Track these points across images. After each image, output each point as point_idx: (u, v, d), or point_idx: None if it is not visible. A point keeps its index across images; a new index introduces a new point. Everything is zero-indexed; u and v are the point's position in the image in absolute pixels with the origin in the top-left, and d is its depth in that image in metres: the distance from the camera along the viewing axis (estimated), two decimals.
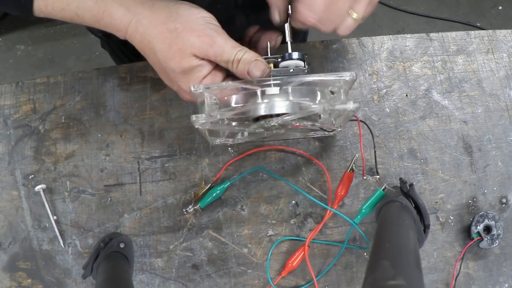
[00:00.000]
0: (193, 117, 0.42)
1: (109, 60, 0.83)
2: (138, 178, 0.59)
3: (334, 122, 0.51)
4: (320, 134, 0.58)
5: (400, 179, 0.55)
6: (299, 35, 0.79)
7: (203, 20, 0.43)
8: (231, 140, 0.56)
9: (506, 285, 0.56)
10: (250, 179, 0.58)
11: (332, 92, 0.43)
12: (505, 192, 0.58)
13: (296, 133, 0.57)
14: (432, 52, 0.63)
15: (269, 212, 0.58)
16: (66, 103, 0.61)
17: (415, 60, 0.63)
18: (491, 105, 0.61)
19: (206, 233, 0.57)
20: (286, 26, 0.45)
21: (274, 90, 0.42)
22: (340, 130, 0.53)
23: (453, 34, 0.64)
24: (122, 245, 0.53)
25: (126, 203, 0.58)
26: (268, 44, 0.49)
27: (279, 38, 0.50)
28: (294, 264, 0.55)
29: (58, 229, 0.57)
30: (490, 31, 0.64)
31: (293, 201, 0.58)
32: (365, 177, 0.58)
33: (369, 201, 0.54)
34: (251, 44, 0.51)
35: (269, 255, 0.56)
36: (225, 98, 0.44)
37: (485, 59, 0.63)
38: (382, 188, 0.54)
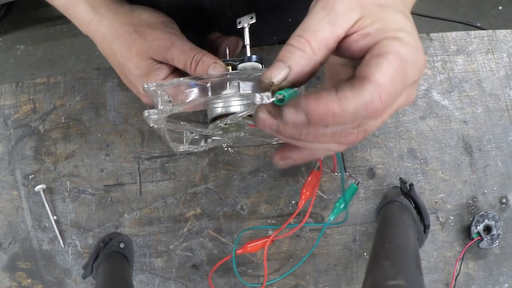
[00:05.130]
0: (145, 113, 0.40)
1: None
2: (138, 178, 0.59)
3: None
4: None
5: (400, 179, 0.55)
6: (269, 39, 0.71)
7: (162, 24, 0.44)
8: (195, 147, 0.55)
9: (506, 285, 0.56)
10: (250, 179, 0.58)
11: None
12: (505, 192, 0.58)
13: (259, 138, 0.56)
14: (432, 52, 0.63)
15: (269, 212, 0.58)
16: (66, 103, 0.61)
17: None
18: (491, 105, 0.61)
19: (206, 233, 0.57)
20: (246, 30, 0.45)
21: (229, 90, 0.42)
22: None
23: (453, 34, 0.64)
24: (122, 245, 0.53)
25: (126, 203, 0.58)
26: (227, 49, 0.49)
27: (240, 43, 0.50)
28: (249, 248, 0.54)
29: (58, 229, 0.57)
30: (490, 31, 0.64)
31: (293, 201, 0.58)
32: (335, 174, 0.58)
33: (343, 197, 0.54)
34: (213, 50, 0.51)
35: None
36: (179, 98, 0.43)
37: (485, 59, 0.63)
38: (356, 183, 0.54)
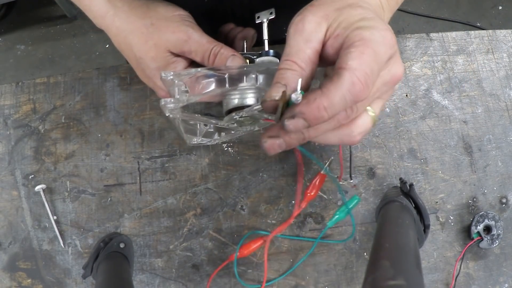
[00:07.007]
0: (162, 101, 0.41)
1: (109, 60, 0.83)
2: (138, 178, 0.59)
3: None
4: None
5: (400, 179, 0.55)
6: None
7: (179, 17, 0.44)
8: (208, 140, 0.55)
9: (506, 285, 0.56)
10: (250, 179, 0.58)
11: None
12: (505, 192, 0.58)
13: None
14: (432, 52, 0.63)
15: (269, 212, 0.58)
16: (66, 103, 0.61)
17: (415, 60, 0.63)
18: (491, 105, 0.61)
19: (206, 233, 0.57)
20: (264, 25, 0.45)
21: (246, 82, 0.42)
22: None
23: (453, 34, 0.64)
24: (122, 245, 0.53)
25: (126, 203, 0.58)
26: (245, 42, 0.49)
27: (255, 36, 0.50)
28: (245, 252, 0.55)
29: (58, 229, 0.57)
30: (490, 31, 0.64)
31: (293, 201, 0.58)
32: (341, 182, 0.58)
33: (343, 207, 0.54)
34: (227, 42, 0.51)
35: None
36: (196, 88, 0.43)
37: (485, 59, 0.63)
38: (359, 195, 0.54)
